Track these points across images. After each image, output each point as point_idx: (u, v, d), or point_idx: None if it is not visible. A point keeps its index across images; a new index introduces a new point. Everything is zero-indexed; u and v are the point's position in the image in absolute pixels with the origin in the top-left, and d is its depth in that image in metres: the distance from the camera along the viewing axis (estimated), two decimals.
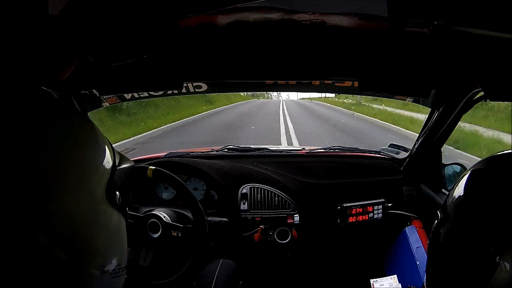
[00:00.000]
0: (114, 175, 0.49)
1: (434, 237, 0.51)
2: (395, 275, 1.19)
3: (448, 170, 1.43)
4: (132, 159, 1.52)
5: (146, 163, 1.30)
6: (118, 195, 0.49)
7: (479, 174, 0.48)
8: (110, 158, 0.49)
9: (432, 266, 0.53)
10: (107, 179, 0.48)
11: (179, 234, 0.99)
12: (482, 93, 1.07)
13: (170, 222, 1.01)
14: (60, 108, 0.50)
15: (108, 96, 1.25)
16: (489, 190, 0.45)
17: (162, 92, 1.29)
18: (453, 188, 0.51)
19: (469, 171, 0.50)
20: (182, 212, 1.11)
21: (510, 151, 0.49)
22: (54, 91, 1.01)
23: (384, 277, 1.19)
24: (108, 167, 0.48)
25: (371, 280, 1.18)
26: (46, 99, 0.50)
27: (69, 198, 0.43)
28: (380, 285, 1.16)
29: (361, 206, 1.36)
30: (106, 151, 0.49)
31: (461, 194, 0.48)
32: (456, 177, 1.42)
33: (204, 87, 1.28)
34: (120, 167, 0.51)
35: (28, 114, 0.45)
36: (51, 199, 0.42)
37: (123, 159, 0.54)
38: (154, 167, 0.98)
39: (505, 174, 0.45)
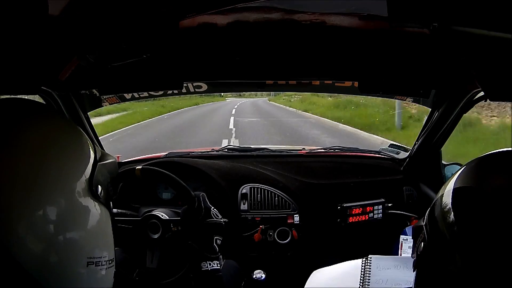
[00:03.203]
0: (95, 170, 0.50)
1: (420, 255, 0.49)
2: None
3: (448, 170, 1.43)
4: (131, 159, 1.52)
5: (146, 163, 1.30)
6: (100, 189, 0.50)
7: (468, 186, 0.46)
8: (91, 154, 0.51)
9: (420, 282, 0.52)
10: (89, 174, 0.49)
11: (179, 228, 0.99)
12: (482, 93, 1.07)
13: (168, 218, 1.01)
14: (39, 109, 0.51)
15: (108, 96, 1.25)
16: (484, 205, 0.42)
17: (162, 92, 1.29)
18: (439, 198, 0.48)
19: (456, 179, 0.48)
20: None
21: (498, 151, 0.49)
22: (54, 91, 1.01)
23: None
24: (89, 162, 0.50)
25: (401, 237, 1.12)
26: (26, 101, 0.51)
27: (54, 202, 0.44)
28: (409, 246, 1.09)
29: (361, 206, 1.36)
30: (87, 146, 0.51)
31: (447, 208, 0.45)
32: None
33: (204, 87, 1.28)
34: (102, 162, 0.53)
35: (5, 116, 0.46)
36: (37, 205, 0.43)
37: (104, 154, 0.56)
38: (141, 167, 0.99)
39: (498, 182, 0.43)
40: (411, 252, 1.08)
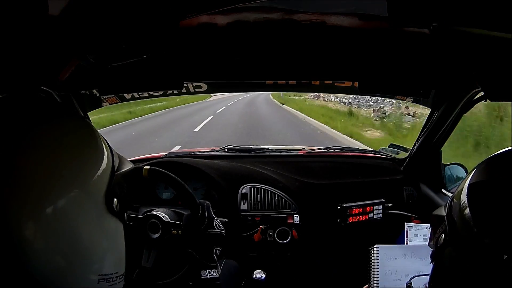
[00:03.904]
0: (113, 181, 0.48)
1: (441, 247, 0.48)
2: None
3: (448, 170, 1.43)
4: (131, 159, 1.51)
5: (145, 163, 1.30)
6: (116, 202, 0.48)
7: (484, 181, 0.45)
8: (109, 163, 0.49)
9: (438, 274, 0.51)
10: (106, 185, 0.47)
11: (179, 232, 0.99)
12: (482, 93, 1.07)
13: (170, 221, 1.01)
14: (60, 110, 0.50)
15: (108, 96, 1.25)
16: (498, 200, 0.42)
17: (162, 92, 1.29)
18: (457, 194, 0.48)
19: (473, 175, 0.47)
20: (182, 212, 1.11)
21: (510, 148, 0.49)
22: (54, 91, 1.01)
23: (420, 224, 1.08)
24: (107, 172, 0.48)
25: (406, 224, 1.09)
26: (47, 100, 0.50)
27: (66, 198, 0.43)
28: (414, 234, 1.05)
29: (361, 206, 1.36)
30: (105, 155, 0.49)
31: (466, 204, 0.44)
32: (456, 177, 1.42)
33: (204, 87, 1.29)
34: (119, 171, 0.51)
35: (25, 114, 0.45)
36: (47, 199, 0.42)
37: (122, 162, 0.53)
38: (149, 167, 0.98)
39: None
40: (418, 240, 1.05)
